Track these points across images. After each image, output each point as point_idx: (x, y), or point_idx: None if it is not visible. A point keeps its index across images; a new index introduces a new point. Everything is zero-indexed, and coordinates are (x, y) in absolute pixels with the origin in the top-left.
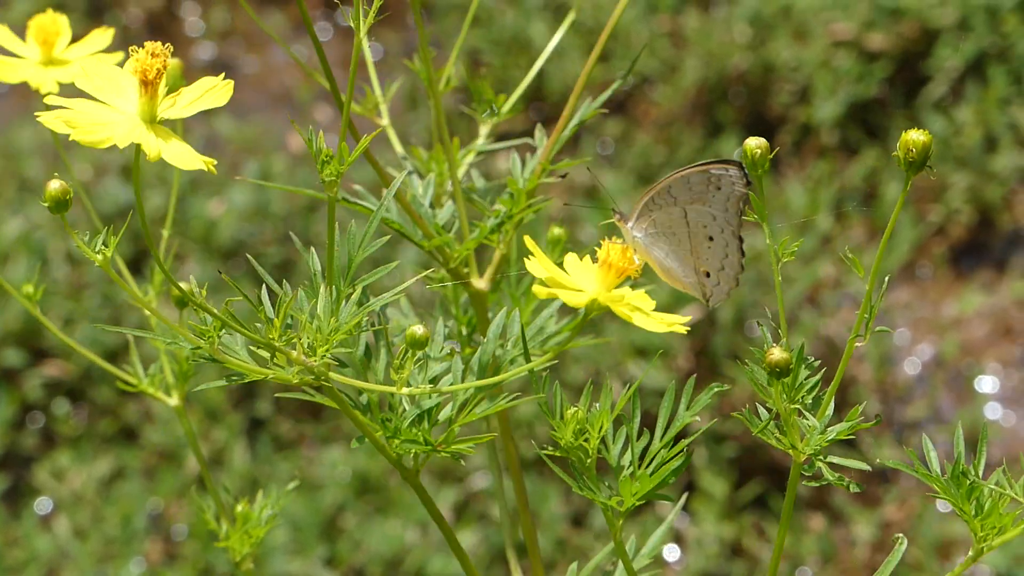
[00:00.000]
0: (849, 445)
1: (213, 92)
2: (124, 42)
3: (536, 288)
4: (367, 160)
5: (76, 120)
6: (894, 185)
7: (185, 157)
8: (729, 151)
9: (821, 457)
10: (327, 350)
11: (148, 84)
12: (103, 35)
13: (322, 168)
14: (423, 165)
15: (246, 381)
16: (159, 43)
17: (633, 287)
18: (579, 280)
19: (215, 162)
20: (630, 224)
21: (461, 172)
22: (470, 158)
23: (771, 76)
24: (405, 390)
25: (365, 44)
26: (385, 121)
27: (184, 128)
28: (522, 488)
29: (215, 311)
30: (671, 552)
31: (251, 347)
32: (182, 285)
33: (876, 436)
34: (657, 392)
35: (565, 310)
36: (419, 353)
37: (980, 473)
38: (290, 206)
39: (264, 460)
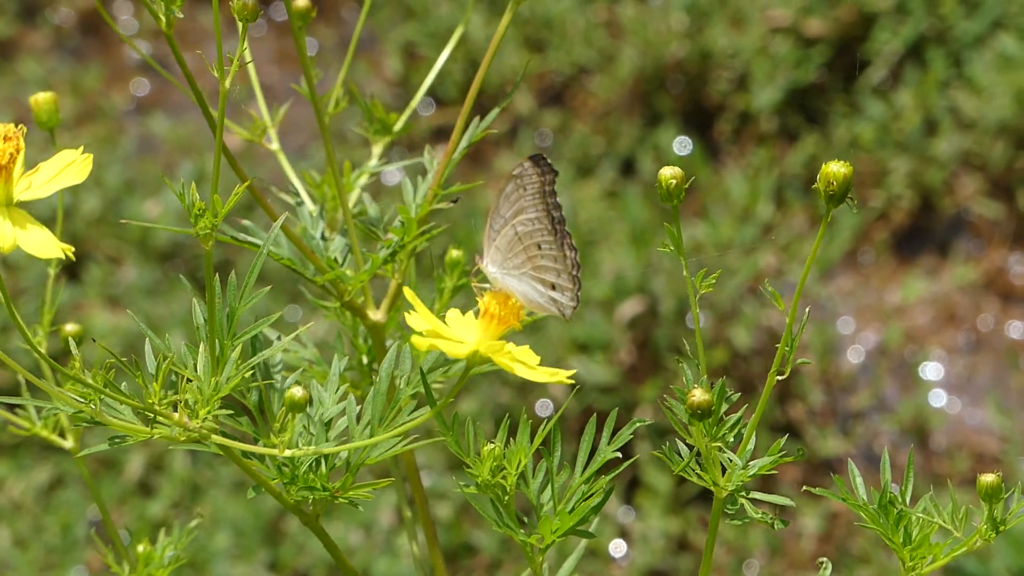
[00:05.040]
0: (795, 437)
1: (72, 167)
2: (57, 42)
3: (415, 339)
4: (256, 200)
5: None
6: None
7: (44, 245)
8: (668, 140)
9: (743, 493)
10: (209, 411)
11: (2, 168)
12: None
13: (195, 221)
14: (317, 190)
15: (132, 443)
16: (11, 125)
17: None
18: (461, 333)
19: (72, 249)
20: (485, 261)
21: (354, 195)
22: (363, 180)
23: (709, 64)
24: (288, 452)
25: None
26: (275, 146)
27: (119, 129)
28: (429, 524)
29: (90, 381)
30: (617, 548)
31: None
32: (69, 327)
33: (821, 427)
34: (600, 388)
35: None
36: (302, 411)
37: (907, 500)
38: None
39: (205, 464)
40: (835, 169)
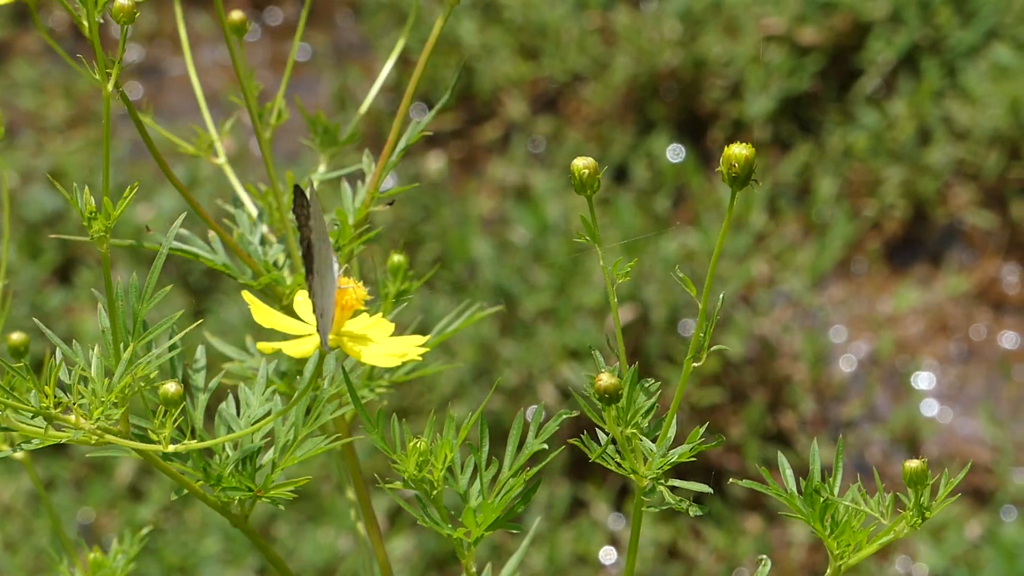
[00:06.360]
0: (786, 445)
1: None
2: (50, 46)
3: (260, 345)
4: (185, 198)
5: None
6: (828, 180)
7: None
8: (661, 148)
9: (662, 481)
10: (102, 412)
11: None
12: None
13: (89, 224)
14: (262, 201)
15: (43, 446)
16: None
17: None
18: (304, 325)
19: None
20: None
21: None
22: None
23: (702, 72)
24: (171, 447)
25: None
26: (222, 160)
27: (112, 133)
28: (374, 525)
29: None
30: (607, 555)
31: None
32: (15, 336)
33: (812, 436)
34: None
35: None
36: (176, 407)
37: (836, 490)
38: (219, 210)
39: None
40: (737, 151)
